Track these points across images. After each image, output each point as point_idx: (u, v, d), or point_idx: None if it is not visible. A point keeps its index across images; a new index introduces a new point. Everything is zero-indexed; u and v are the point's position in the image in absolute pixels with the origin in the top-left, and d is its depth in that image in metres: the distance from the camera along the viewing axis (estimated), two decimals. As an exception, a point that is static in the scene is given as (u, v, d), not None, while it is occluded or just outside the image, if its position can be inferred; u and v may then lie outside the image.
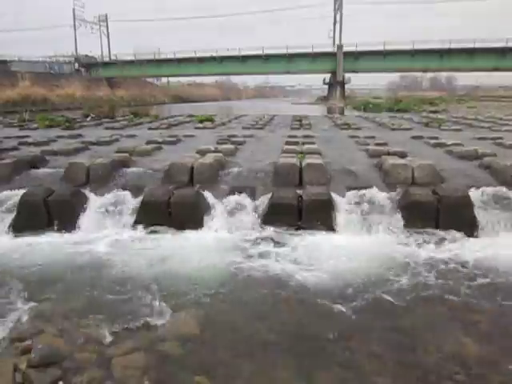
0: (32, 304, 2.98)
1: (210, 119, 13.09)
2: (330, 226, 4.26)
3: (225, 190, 4.78)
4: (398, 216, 4.27)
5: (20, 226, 4.39)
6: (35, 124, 12.17)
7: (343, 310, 2.92)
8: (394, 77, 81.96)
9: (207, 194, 4.64)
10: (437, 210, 4.24)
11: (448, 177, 4.98)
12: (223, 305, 3.01)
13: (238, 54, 49.93)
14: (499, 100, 37.09)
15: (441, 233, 4.15)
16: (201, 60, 51.23)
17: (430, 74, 74.66)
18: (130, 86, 46.33)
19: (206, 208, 4.51)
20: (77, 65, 52.52)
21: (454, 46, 43.60)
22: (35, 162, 5.73)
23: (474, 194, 4.36)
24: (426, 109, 21.41)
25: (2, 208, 4.50)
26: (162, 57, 52.82)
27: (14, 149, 6.96)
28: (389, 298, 3.06)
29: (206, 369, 2.36)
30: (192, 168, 5.07)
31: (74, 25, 54.62)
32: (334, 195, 4.49)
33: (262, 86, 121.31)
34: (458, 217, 4.20)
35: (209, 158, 5.40)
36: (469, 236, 4.11)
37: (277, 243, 4.04)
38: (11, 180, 5.12)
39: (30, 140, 8.05)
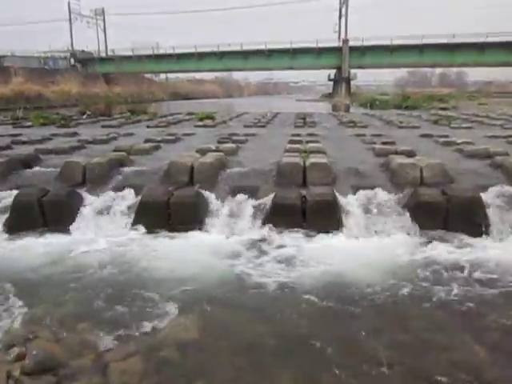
0: (26, 308, 2.99)
1: (211, 117, 13.11)
2: (335, 228, 4.26)
3: (226, 190, 4.79)
4: (406, 217, 4.27)
5: (14, 228, 4.41)
6: (29, 122, 12.22)
7: (350, 315, 2.92)
8: (402, 72, 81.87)
9: (208, 195, 4.65)
10: (446, 211, 4.24)
11: (458, 177, 4.97)
12: (224, 309, 3.02)
13: (239, 49, 49.98)
14: (512, 96, 36.96)
15: (451, 235, 4.14)
16: (201, 55, 51.33)
17: (439, 70, 74.61)
18: (127, 82, 46.33)
19: (206, 209, 4.52)
20: (73, 60, 52.71)
21: (464, 40, 43.50)
22: (29, 162, 5.75)
23: (485, 195, 4.35)
24: (435, 106, 21.39)
25: (-5, 209, 4.52)
26: (161, 52, 52.97)
27: (7, 147, 6.99)
28: (399, 303, 3.05)
29: (206, 375, 2.37)
30: (192, 167, 5.08)
31: (70, 19, 54.84)
32: (339, 196, 4.50)
33: (264, 83, 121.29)
34: (469, 218, 4.20)
35: (209, 158, 5.41)
36: (480, 238, 4.10)
37: (280, 246, 4.04)
38: (4, 180, 5.14)
39: (23, 138, 8.08)
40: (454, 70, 72.63)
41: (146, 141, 7.63)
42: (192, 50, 51.30)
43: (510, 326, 2.80)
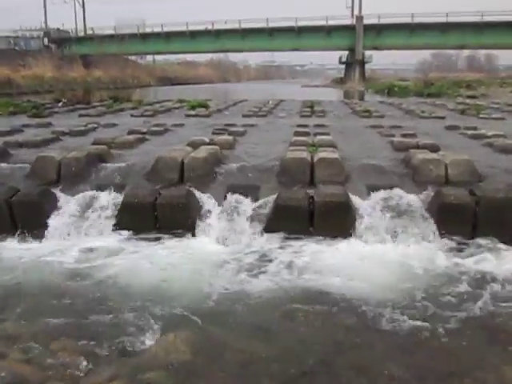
0: (-8, 324, 2.98)
1: (204, 105, 13.09)
2: (347, 234, 4.25)
3: (221, 189, 4.78)
4: (429, 221, 4.27)
5: (-22, 232, 4.40)
6: (-4, 110, 12.18)
7: (364, 333, 2.91)
8: (424, 55, 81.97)
9: (200, 195, 4.64)
10: (475, 214, 4.23)
11: (488, 174, 4.96)
12: (220, 326, 3.01)
13: (237, 27, 49.99)
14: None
15: (480, 242, 4.13)
16: (193, 34, 51.35)
17: (466, 52, 74.61)
18: (108, 65, 46.35)
19: (198, 211, 4.51)
20: (46, 40, 52.74)
21: (494, 18, 43.44)
22: (-4, 156, 5.74)
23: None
24: (462, 93, 21.37)
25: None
26: (148, 30, 53.01)
27: (-28, 140, 6.97)
28: (421, 319, 3.04)
29: (199, 402, 2.36)
30: (182, 163, 5.07)
31: (43, -7, 54.82)
32: (352, 196, 4.49)
33: (266, 66, 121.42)
34: (502, 223, 4.19)
35: (202, 152, 5.40)
36: (513, 245, 4.09)
37: (283, 253, 4.03)
38: (-32, 177, 5.13)
39: (-10, 129, 8.06)
40: (483, 52, 72.74)
41: (130, 132, 7.62)
42: (183, 29, 51.31)
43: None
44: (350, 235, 4.26)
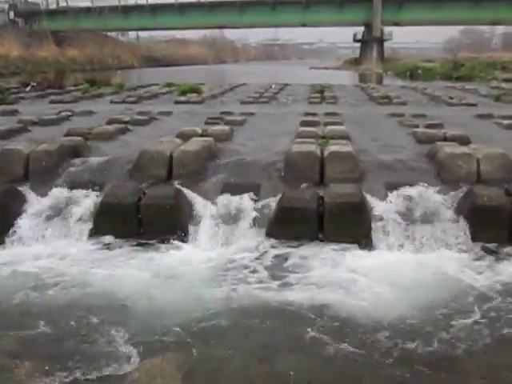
0: None
1: (196, 90, 13.10)
2: (362, 240, 4.25)
3: (216, 188, 4.77)
4: (459, 225, 4.27)
5: None
6: (-46, 96, 12.17)
7: (382, 355, 2.91)
8: (453, 32, 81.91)
9: (191, 195, 4.63)
10: (511, 217, 4.22)
11: (527, 171, 4.96)
12: (213, 348, 3.01)
13: (235, -2, 49.93)
14: None
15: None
16: (183, 7, 51.36)
17: (501, 29, 74.54)
18: (84, 43, 46.35)
19: (189, 213, 4.50)
20: (12, 14, 52.70)
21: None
22: (-47, 149, 5.74)
23: None
24: (496, 76, 21.36)
25: None
26: (131, 3, 52.94)
27: None
28: (449, 342, 3.03)
29: None
30: (171, 158, 5.07)
31: (9, -42, 54.80)
32: (368, 196, 4.48)
33: (268, 45, 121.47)
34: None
35: (194, 144, 5.40)
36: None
37: (287, 263, 4.03)
38: None
39: None
40: (522, 28, 72.59)
41: (110, 122, 7.62)
42: (171, 1, 51.29)
43: None
44: (366, 242, 4.25)
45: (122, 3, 52.66)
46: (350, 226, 4.27)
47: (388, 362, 2.84)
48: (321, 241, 4.30)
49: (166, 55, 62.53)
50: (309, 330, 3.15)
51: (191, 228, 4.42)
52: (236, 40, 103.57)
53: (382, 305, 3.44)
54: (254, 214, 4.47)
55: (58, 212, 4.56)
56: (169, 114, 8.95)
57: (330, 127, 6.72)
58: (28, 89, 14.31)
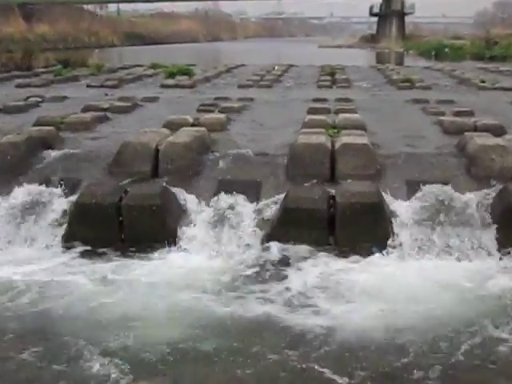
0: None
1: (187, 72, 13.09)
2: (380, 246, 4.25)
3: (210, 186, 4.77)
4: (492, 229, 4.26)
5: None
6: None
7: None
8: (486, 3, 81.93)
9: (181, 194, 4.63)
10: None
11: None
12: (206, 371, 3.00)
13: (231, -35, 49.93)
14: None
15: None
16: (172, -24, 51.26)
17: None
18: (57, 17, 46.41)
19: (178, 216, 4.49)
20: (-28, -17, 52.67)
21: None
22: None
23: None
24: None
25: None
26: (110, -29, 52.92)
27: None
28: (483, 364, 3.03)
29: None
30: (157, 151, 5.06)
31: None
32: (386, 196, 4.47)
33: (270, 19, 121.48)
34: None
35: (184, 135, 5.39)
36: None
37: (293, 273, 4.02)
38: None
39: None
40: None
41: (86, 109, 7.60)
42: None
43: None
44: (384, 248, 4.25)
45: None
46: (366, 230, 4.27)
47: None
48: (331, 246, 4.30)
49: (152, 32, 62.59)
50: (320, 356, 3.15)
51: (181, 233, 4.41)
52: (233, 14, 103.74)
53: (407, 309, 3.44)
54: (254, 216, 4.46)
55: (23, 215, 4.53)
56: (154, 99, 8.94)
57: (342, 115, 6.70)
58: (-10, 71, 14.30)
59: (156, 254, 4.31)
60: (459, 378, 2.95)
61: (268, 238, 4.36)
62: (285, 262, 4.19)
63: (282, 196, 4.51)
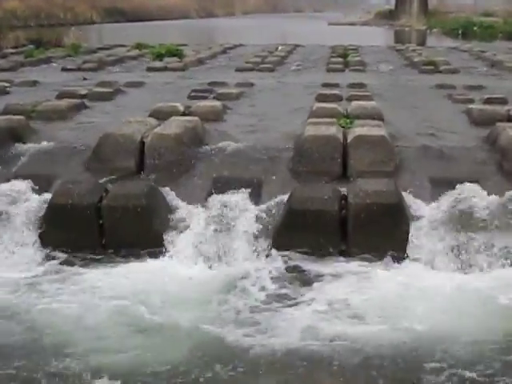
0: None
1: (177, 53, 13.09)
2: (399, 253, 4.26)
3: (203, 184, 4.79)
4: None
5: None
6: None
7: None
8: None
9: (170, 193, 4.65)
10: None
11: None
12: None
13: None
14: None
15: None
16: None
17: None
18: (27, -10, 46.42)
19: (166, 218, 4.51)
20: None
21: None
22: None
23: None
24: None
25: None
26: None
27: None
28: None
29: None
30: (142, 144, 5.08)
31: None
32: (407, 196, 4.48)
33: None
34: None
35: (173, 126, 5.41)
36: None
37: (300, 285, 4.05)
38: None
39: None
40: None
41: (61, 95, 7.61)
42: None
43: None
44: (405, 256, 4.27)
45: None
46: (383, 234, 4.28)
47: None
48: (343, 253, 4.32)
49: (136, 7, 62.46)
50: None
51: (169, 238, 4.43)
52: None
53: (431, 328, 3.45)
54: (254, 219, 4.46)
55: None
56: (140, 84, 8.95)
57: (355, 103, 6.70)
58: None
59: (140, 262, 4.32)
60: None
61: (271, 242, 4.37)
62: (292, 269, 4.21)
63: (286, 196, 4.51)
